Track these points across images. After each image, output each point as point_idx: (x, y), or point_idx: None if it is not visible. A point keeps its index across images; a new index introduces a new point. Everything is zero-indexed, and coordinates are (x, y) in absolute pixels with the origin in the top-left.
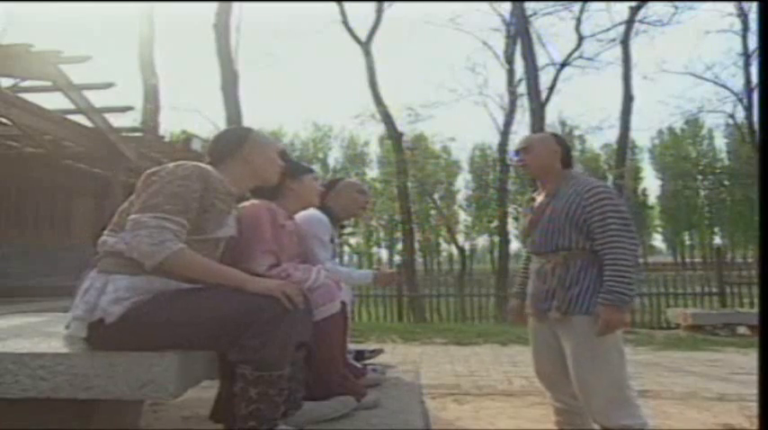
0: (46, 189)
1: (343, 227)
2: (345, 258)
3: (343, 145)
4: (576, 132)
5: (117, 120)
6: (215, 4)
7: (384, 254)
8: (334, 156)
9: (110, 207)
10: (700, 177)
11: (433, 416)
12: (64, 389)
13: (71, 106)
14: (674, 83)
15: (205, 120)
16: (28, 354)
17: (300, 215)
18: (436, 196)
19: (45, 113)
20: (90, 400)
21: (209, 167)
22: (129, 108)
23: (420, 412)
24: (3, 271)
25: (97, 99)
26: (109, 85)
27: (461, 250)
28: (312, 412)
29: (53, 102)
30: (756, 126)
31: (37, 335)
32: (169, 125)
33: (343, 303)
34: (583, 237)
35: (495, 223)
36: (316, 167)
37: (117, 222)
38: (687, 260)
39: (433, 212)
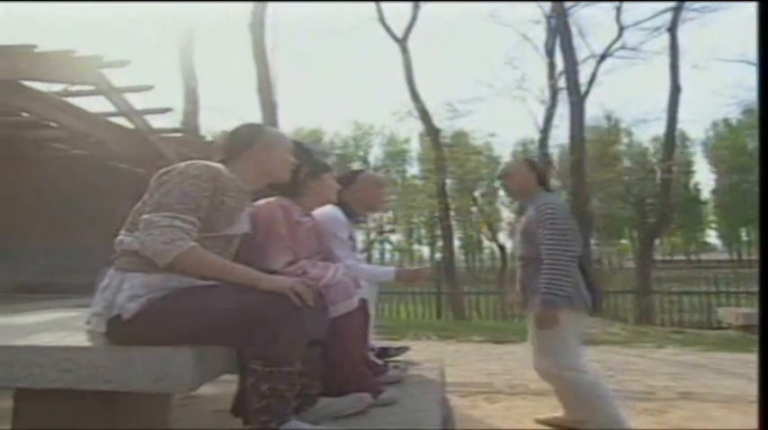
0: (91, 189)
1: (382, 229)
2: (387, 256)
3: (384, 142)
4: (622, 125)
5: (158, 122)
6: (250, 5)
7: (425, 251)
8: (375, 154)
9: None
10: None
11: (462, 414)
12: (87, 381)
13: (113, 109)
14: (729, 71)
15: (241, 121)
16: (54, 348)
17: (316, 213)
18: (477, 193)
19: (89, 116)
20: (117, 392)
21: (219, 166)
22: (167, 109)
23: (437, 410)
24: (48, 269)
25: (137, 101)
26: (148, 88)
27: (501, 248)
28: (327, 408)
29: (97, 105)
30: None
31: (65, 329)
32: (209, 126)
33: (364, 300)
34: (534, 248)
35: None
36: (357, 165)
37: (132, 222)
38: (744, 257)
39: (474, 209)
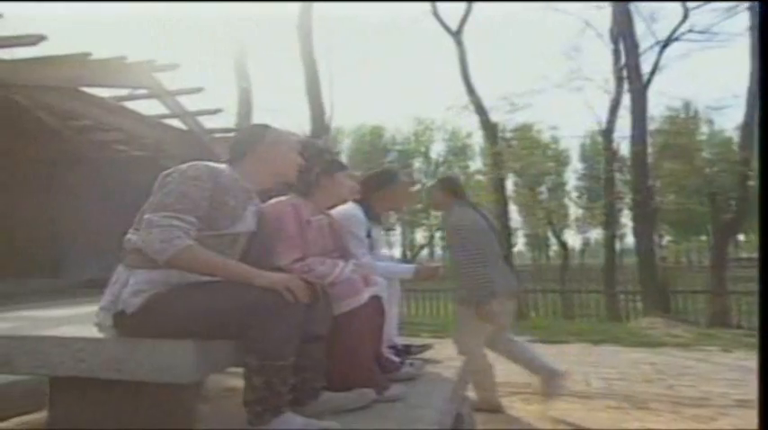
0: (148, 189)
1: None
2: (438, 252)
3: (446, 137)
4: (701, 114)
5: (211, 123)
6: (298, 5)
7: None
8: (437, 150)
9: None
10: None
11: (493, 415)
12: (99, 370)
13: (166, 111)
14: None
15: (292, 121)
16: (71, 338)
17: (335, 211)
18: (543, 188)
19: (144, 119)
20: (144, 383)
21: (221, 166)
22: (218, 110)
23: (440, 408)
24: (114, 265)
25: (191, 103)
26: (198, 90)
27: (563, 245)
28: (329, 402)
29: (151, 108)
30: None
31: (86, 322)
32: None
33: (377, 298)
34: (454, 253)
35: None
36: (418, 162)
37: (139, 221)
38: None
39: (538, 205)
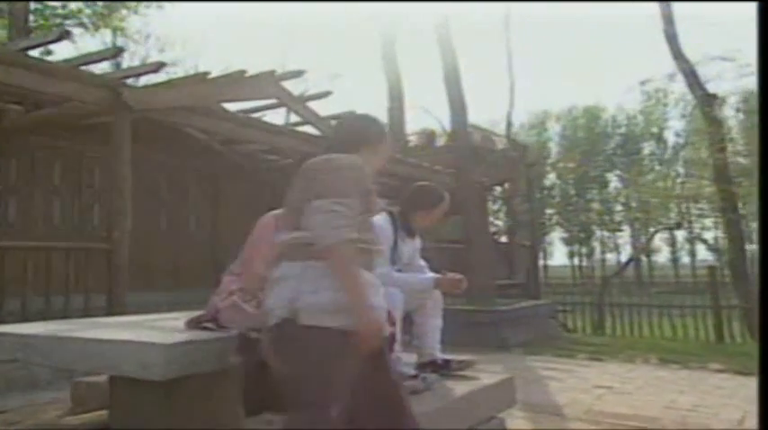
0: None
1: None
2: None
3: (686, 114)
4: None
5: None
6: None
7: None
8: (676, 128)
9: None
10: None
11: None
12: (110, 368)
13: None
14: None
15: (431, 117)
16: (80, 339)
17: None
18: None
19: (276, 129)
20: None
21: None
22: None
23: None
24: None
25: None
26: (327, 94)
27: None
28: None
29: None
30: None
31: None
32: (415, 124)
33: (388, 311)
34: None
35: None
36: (648, 145)
37: (297, 218)
38: None
39: None
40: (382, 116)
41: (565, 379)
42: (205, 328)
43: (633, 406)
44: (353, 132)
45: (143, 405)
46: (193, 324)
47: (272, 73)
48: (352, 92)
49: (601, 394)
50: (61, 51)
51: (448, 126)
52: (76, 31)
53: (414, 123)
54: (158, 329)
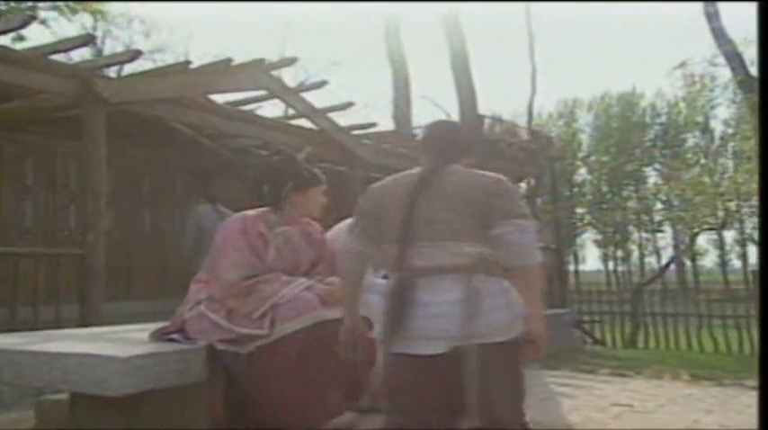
0: None
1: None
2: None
3: (735, 99)
4: None
5: (354, 119)
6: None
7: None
8: (723, 116)
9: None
10: None
11: None
12: (61, 383)
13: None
14: None
15: (440, 111)
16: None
17: (337, 227)
18: None
19: (269, 122)
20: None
21: None
22: (349, 105)
23: None
24: None
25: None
26: (322, 84)
27: None
28: None
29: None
30: None
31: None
32: (420, 119)
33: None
34: None
35: None
36: (692, 136)
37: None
38: None
39: None
40: (386, 109)
41: (580, 396)
42: (170, 340)
43: (651, 426)
44: (459, 139)
45: (99, 423)
46: (158, 335)
47: (261, 61)
48: (354, 85)
49: (618, 413)
50: (37, 38)
51: (457, 119)
52: (51, 15)
53: (420, 117)
54: (119, 341)
